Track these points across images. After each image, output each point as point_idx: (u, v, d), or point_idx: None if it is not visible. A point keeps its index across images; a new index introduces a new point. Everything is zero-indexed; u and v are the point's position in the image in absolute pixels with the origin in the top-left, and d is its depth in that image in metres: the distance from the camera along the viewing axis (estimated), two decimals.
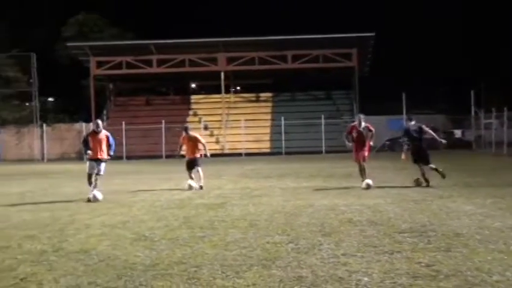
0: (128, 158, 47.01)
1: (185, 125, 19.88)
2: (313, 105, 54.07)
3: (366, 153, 17.50)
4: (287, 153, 46.99)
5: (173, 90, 63.76)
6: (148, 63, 52.52)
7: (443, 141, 18.75)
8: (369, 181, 16.87)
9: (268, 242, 9.02)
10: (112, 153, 16.24)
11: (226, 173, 26.40)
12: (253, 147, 49.24)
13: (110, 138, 16.22)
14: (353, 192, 16.34)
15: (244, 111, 54.18)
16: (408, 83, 60.64)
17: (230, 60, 52.39)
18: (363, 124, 17.53)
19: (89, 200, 15.31)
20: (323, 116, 48.30)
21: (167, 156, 46.03)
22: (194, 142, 18.90)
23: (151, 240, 9.49)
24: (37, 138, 51.74)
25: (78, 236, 10.02)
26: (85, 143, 16.06)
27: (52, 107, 64.25)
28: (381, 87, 63.32)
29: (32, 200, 16.26)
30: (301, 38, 50.67)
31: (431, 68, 70.66)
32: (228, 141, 50.29)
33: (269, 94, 57.85)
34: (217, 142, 50.45)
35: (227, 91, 56.11)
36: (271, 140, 50.79)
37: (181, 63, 52.15)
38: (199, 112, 54.93)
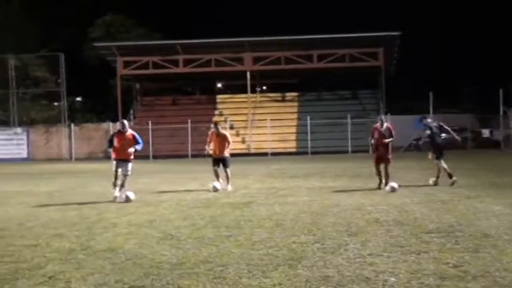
0: (155, 157, 47.25)
1: (215, 121, 19.39)
2: (339, 104, 53.86)
3: (389, 156, 17.17)
4: (313, 152, 46.88)
5: (200, 90, 63.98)
6: (175, 63, 52.75)
7: (459, 138, 18.95)
8: (394, 184, 16.29)
9: (294, 242, 9.01)
10: (138, 147, 15.81)
11: (252, 172, 26.41)
12: (279, 146, 49.21)
13: (137, 137, 15.93)
14: (379, 192, 16.26)
15: (270, 110, 54.15)
16: (435, 82, 60.11)
17: (256, 60, 52.42)
18: (385, 125, 17.34)
19: (115, 200, 15.31)
20: (349, 116, 48.12)
21: (193, 156, 46.16)
22: (222, 140, 18.35)
23: (178, 239, 9.53)
24: (65, 137, 52.27)
25: (105, 235, 10.10)
26: (110, 142, 15.82)
27: (80, 106, 64.86)
28: (407, 87, 62.89)
29: (60, 199, 16.43)
30: (327, 37, 50.52)
31: (458, 66, 69.99)
32: (253, 141, 50.32)
33: (295, 94, 57.75)
34: (243, 142, 50.48)
35: (253, 91, 56.14)
36: (297, 140, 50.70)
37: (207, 63, 52.31)
38: (225, 112, 55.02)
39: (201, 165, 33.14)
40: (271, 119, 50.25)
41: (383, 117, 17.87)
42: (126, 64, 53.35)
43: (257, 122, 52.44)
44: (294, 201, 14.51)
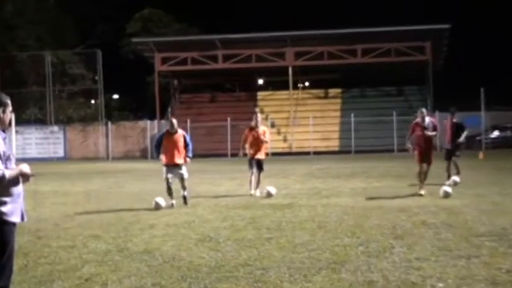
0: (193, 156, 47.43)
1: (256, 114, 17.67)
2: (385, 101, 53.40)
3: (431, 156, 15.74)
4: (357, 151, 46.59)
5: (239, 87, 64.10)
6: (214, 58, 52.95)
7: (462, 140, 19.25)
8: (448, 189, 15.04)
9: (337, 245, 8.98)
10: (190, 154, 14.61)
11: (294, 172, 26.38)
12: (322, 145, 49.04)
13: (187, 138, 14.65)
14: (426, 192, 16.07)
15: (312, 108, 53.99)
16: (487, 77, 59.10)
17: (298, 55, 52.27)
18: (427, 120, 15.79)
19: (172, 206, 14.10)
20: (394, 113, 47.65)
21: (232, 155, 46.24)
22: (259, 136, 16.69)
23: (216, 241, 9.57)
24: (102, 136, 52.98)
25: (142, 236, 10.20)
26: (158, 146, 14.57)
27: (117, 104, 65.61)
28: (457, 82, 62.00)
29: (97, 200, 16.65)
30: (372, 31, 50.09)
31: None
32: (295, 139, 50.24)
33: (338, 90, 57.46)
34: (284, 140, 50.43)
35: (295, 87, 56.04)
36: (340, 138, 50.46)
37: (248, 59, 52.36)
38: (266, 109, 54.97)
39: (240, 165, 33.22)
40: (313, 117, 50.10)
41: (423, 110, 16.11)
42: (164, 60, 53.72)
43: (299, 120, 52.32)
44: (337, 202, 14.45)
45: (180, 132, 14.66)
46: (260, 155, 16.66)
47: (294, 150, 48.82)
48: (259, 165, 16.63)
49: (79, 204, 15.41)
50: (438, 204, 13.46)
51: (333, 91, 57.41)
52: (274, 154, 45.09)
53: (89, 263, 8.16)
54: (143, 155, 50.68)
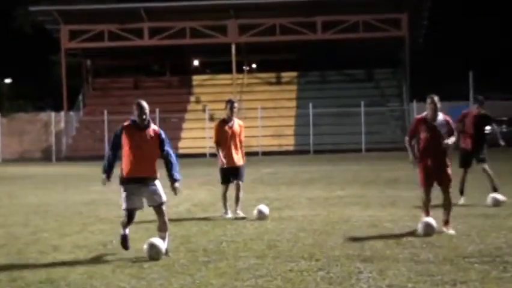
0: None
1: (230, 99, 15.81)
2: (351, 88, 53.92)
3: (449, 169, 12.40)
4: (316, 151, 46.89)
5: (170, 69, 63.81)
6: (138, 33, 52.55)
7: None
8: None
9: (291, 270, 9.00)
10: (175, 173, 10.62)
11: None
12: (273, 143, 49.20)
13: (164, 138, 10.81)
14: (401, 203, 16.26)
15: (260, 96, 54.14)
16: (478, 58, 60.12)
17: (243, 30, 52.29)
18: (440, 116, 12.48)
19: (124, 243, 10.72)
20: (362, 103, 48.13)
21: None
22: (237, 134, 15.13)
23: (140, 266, 9.50)
24: None
25: (43, 261, 10.04)
26: (115, 146, 10.75)
27: (9, 91, 64.14)
28: (440, 65, 62.91)
29: None
30: (335, 0, 50.48)
31: (507, 40, 69.89)
32: None
33: (293, 74, 57.75)
34: None
35: (239, 70, 56.08)
36: (295, 135, 50.71)
37: (180, 34, 52.12)
38: (204, 98, 54.92)
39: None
40: (262, 107, 50.21)
41: (435, 98, 12.53)
42: (73, 35, 53.07)
43: (244, 111, 52.36)
44: (292, 216, 14.47)
45: (153, 127, 10.78)
46: (239, 161, 15.04)
47: None
48: (239, 174, 15.05)
49: None
50: (417, 217, 13.58)
51: (287, 75, 57.68)
52: (213, 155, 44.95)
53: None
54: (46, 157, 50.01)
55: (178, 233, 12.44)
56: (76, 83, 57.08)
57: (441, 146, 12.14)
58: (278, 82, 57.39)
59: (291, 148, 49.14)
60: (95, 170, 33.28)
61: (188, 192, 20.13)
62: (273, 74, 58.30)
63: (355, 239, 11.27)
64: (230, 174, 14.95)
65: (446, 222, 12.06)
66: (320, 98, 51.53)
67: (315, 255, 9.92)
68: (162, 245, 10.17)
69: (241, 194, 14.99)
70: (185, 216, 14.95)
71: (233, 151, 14.89)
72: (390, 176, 24.62)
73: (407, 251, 10.09)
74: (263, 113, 49.61)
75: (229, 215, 14.63)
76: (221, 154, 14.87)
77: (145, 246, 10.14)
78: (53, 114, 51.26)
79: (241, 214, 14.60)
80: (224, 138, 14.89)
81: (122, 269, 9.31)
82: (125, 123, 10.76)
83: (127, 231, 10.66)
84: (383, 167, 29.79)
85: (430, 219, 12.00)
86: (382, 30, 51.29)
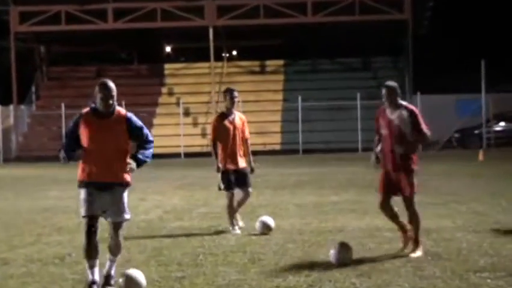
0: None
1: (228, 88, 15.12)
2: (345, 78, 53.92)
3: (411, 180, 11.61)
4: (306, 151, 46.89)
5: (138, 57, 63.65)
6: (100, 15, 52.28)
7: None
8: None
9: (277, 286, 9.05)
10: (142, 157, 9.75)
11: (216, 181, 26.32)
12: (256, 142, 48.99)
13: (137, 125, 9.70)
14: (403, 210, 16.26)
15: (242, 87, 53.78)
16: (491, 45, 60.27)
17: (222, 11, 52.20)
18: (402, 108, 11.57)
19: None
20: (358, 95, 48.14)
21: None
22: (239, 130, 14.53)
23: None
24: None
25: None
26: (71, 141, 9.62)
27: None
28: (447, 52, 63.07)
29: None
30: None
31: None
32: None
33: (280, 62, 57.69)
34: (203, 135, 50.33)
35: (218, 57, 56.02)
36: (282, 132, 50.69)
37: (150, 16, 51.92)
38: (177, 89, 54.83)
39: (141, 171, 32.93)
40: (244, 101, 50.10)
41: (393, 85, 11.65)
42: (24, 17, 52.74)
43: (223, 105, 52.35)
44: (278, 224, 14.47)
45: (122, 111, 9.65)
46: (243, 163, 14.56)
47: None
48: (246, 179, 14.52)
49: None
50: (421, 226, 13.63)
51: (272, 63, 57.62)
52: (189, 155, 44.98)
53: None
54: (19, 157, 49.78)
55: (148, 244, 12.45)
56: (28, 73, 56.74)
57: (399, 139, 11.37)
58: (262, 71, 57.30)
59: (277, 147, 49.10)
60: (51, 172, 33.25)
61: (160, 198, 20.14)
62: (256, 62, 58.19)
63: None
64: (234, 179, 14.27)
65: (416, 242, 11.20)
66: (310, 90, 51.51)
67: (304, 270, 9.96)
68: (141, 277, 9.26)
69: (246, 201, 14.62)
70: (156, 224, 14.94)
71: (237, 151, 14.33)
72: None
73: (409, 265, 10.14)
74: (245, 106, 49.44)
75: (238, 231, 13.86)
76: (220, 155, 14.30)
77: (121, 280, 9.30)
78: (0, 108, 50.90)
79: (241, 224, 14.25)
80: (225, 135, 14.23)
81: (83, 286, 9.30)
82: (84, 110, 9.63)
83: (96, 273, 9.27)
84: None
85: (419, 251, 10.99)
86: (381, 13, 51.26)
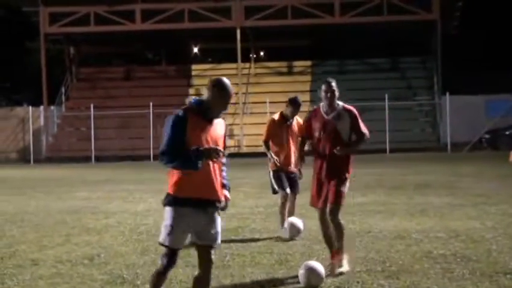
0: (99, 159, 47.16)
1: (296, 102, 14.42)
2: (373, 79, 53.79)
3: (341, 189, 10.73)
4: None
5: (166, 57, 63.83)
6: (129, 16, 52.48)
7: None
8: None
9: None
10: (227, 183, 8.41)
11: (244, 182, 26.37)
12: None
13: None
14: (432, 211, 16.24)
15: (270, 88, 54.08)
16: None
17: (249, 12, 52.23)
18: (340, 108, 11.01)
19: None
20: (386, 96, 48.04)
21: (156, 158, 45.90)
22: (292, 133, 14.28)
23: (132, 283, 9.56)
24: None
25: (20, 277, 10.09)
26: (177, 144, 7.60)
27: None
28: (476, 52, 62.76)
29: None
30: None
31: None
32: (246, 135, 50.24)
33: (307, 63, 57.64)
34: (230, 136, 50.42)
35: (245, 58, 56.04)
36: None
37: (178, 17, 52.07)
38: (204, 90, 54.83)
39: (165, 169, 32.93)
40: (271, 101, 50.14)
41: (331, 82, 11.05)
42: (54, 18, 53.04)
43: (251, 106, 52.40)
44: (306, 225, 14.44)
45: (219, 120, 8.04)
46: (294, 167, 14.19)
47: (244, 150, 48.81)
48: (294, 183, 14.26)
49: None
50: (450, 227, 13.59)
51: (299, 64, 57.59)
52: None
53: None
54: (23, 157, 50.01)
55: None
56: (58, 74, 57.05)
57: (335, 143, 10.70)
58: (290, 72, 57.29)
59: (305, 147, 49.02)
60: (80, 172, 33.41)
61: None
62: (283, 63, 58.20)
63: (379, 252, 11.30)
64: (286, 180, 14.05)
65: (337, 253, 10.35)
66: None
67: None
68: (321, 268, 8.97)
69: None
70: None
71: (290, 154, 14.16)
72: (419, 180, 24.56)
73: (438, 266, 10.10)
74: (272, 107, 49.41)
75: (287, 232, 13.41)
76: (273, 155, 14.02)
77: (302, 272, 9.00)
78: (30, 109, 51.13)
79: (286, 225, 13.55)
80: (279, 138, 14.17)
81: (112, 286, 9.32)
82: (187, 107, 7.76)
83: None
84: (410, 170, 29.74)
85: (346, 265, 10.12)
86: (410, 13, 51.14)
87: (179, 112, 7.52)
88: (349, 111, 10.77)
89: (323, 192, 10.66)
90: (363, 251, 11.42)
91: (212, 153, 7.42)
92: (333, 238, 10.46)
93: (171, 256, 7.77)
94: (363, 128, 10.86)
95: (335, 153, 10.52)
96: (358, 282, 9.26)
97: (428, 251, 11.24)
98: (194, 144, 7.43)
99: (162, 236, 7.73)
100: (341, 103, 10.76)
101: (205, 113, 7.60)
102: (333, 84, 10.82)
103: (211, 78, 7.90)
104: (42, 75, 51.92)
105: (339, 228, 10.47)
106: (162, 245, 7.76)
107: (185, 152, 7.39)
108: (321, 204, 10.66)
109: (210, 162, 7.60)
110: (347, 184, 10.71)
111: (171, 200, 7.71)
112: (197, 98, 7.79)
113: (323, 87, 10.83)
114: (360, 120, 10.81)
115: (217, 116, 7.72)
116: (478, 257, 10.65)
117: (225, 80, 7.84)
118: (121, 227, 15.04)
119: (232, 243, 12.60)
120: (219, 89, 7.66)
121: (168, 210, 7.72)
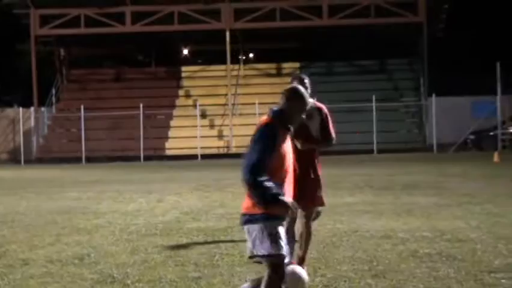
0: (89, 159, 47.10)
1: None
2: (361, 81, 53.80)
3: (317, 193, 10.99)
4: (321, 152, 46.80)
5: (156, 59, 63.73)
6: (119, 18, 52.40)
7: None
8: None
9: None
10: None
11: (233, 182, 26.36)
12: None
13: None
14: (418, 211, 16.27)
15: (259, 89, 54.04)
16: (505, 47, 59.98)
17: (239, 15, 52.20)
18: (310, 102, 9.23)
19: None
20: (374, 98, 48.08)
21: (146, 158, 46.03)
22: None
23: (122, 283, 9.54)
24: None
25: (11, 277, 10.09)
26: (268, 151, 7.34)
27: None
28: (462, 54, 62.85)
29: None
30: None
31: None
32: (235, 136, 50.22)
33: (295, 65, 57.60)
34: (219, 136, 50.40)
35: (234, 60, 56.00)
36: None
37: (168, 19, 51.98)
38: (194, 91, 54.85)
39: (158, 172, 32.98)
40: (260, 103, 50.13)
41: (305, 78, 10.53)
42: (44, 20, 52.90)
43: (240, 107, 52.37)
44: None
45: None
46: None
47: (233, 150, 48.77)
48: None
49: None
50: (436, 227, 13.62)
51: (288, 66, 57.53)
52: (205, 156, 45.02)
53: None
54: (13, 158, 49.96)
55: (165, 244, 12.46)
56: (48, 75, 56.90)
57: (301, 145, 10.28)
58: (278, 74, 57.19)
59: None
60: (70, 173, 33.37)
61: (177, 199, 20.14)
62: (272, 65, 58.13)
63: (365, 251, 11.32)
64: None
65: (302, 261, 9.95)
66: (325, 92, 51.26)
67: (319, 270, 10.00)
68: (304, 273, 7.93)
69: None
70: (173, 225, 14.94)
71: None
72: (406, 180, 24.60)
73: (424, 265, 10.12)
74: (261, 109, 49.43)
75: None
76: None
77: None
78: (21, 110, 51.03)
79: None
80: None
81: (102, 286, 9.32)
82: (270, 120, 7.51)
83: None
84: (397, 171, 29.79)
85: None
86: (396, 15, 51.17)
87: (270, 124, 7.35)
88: (320, 108, 10.53)
89: (299, 196, 9.00)
90: (351, 250, 11.44)
91: (288, 210, 7.20)
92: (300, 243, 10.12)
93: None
94: (332, 131, 10.65)
95: (304, 154, 10.33)
96: (345, 281, 9.27)
97: (414, 250, 11.27)
98: (280, 156, 7.26)
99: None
100: (311, 100, 9.74)
101: (285, 123, 7.44)
102: (306, 81, 10.34)
103: (288, 88, 7.93)
104: (32, 77, 51.80)
105: (309, 235, 10.21)
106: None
107: (272, 187, 7.08)
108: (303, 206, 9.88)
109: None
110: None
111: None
112: (275, 108, 7.59)
113: (295, 82, 9.99)
114: (330, 121, 10.62)
115: (295, 125, 7.58)
116: (463, 256, 10.69)
117: (301, 88, 7.86)
118: (111, 226, 15.03)
119: (221, 243, 12.62)
120: (297, 98, 7.60)
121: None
